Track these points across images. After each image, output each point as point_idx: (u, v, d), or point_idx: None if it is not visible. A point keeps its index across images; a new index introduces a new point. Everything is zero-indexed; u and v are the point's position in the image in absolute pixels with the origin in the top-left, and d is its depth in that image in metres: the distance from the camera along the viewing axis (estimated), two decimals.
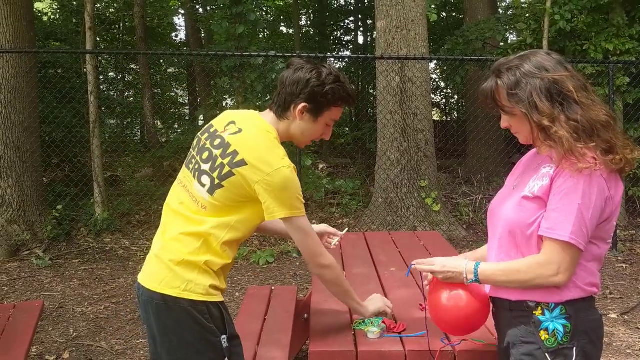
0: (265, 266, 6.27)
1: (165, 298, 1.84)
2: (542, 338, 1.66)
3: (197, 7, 16.68)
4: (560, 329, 1.65)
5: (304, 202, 1.94)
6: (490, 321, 1.93)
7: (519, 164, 1.92)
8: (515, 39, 11.28)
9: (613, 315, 4.74)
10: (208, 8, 15.03)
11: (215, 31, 9.31)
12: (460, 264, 1.82)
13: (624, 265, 6.20)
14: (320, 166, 11.17)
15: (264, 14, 17.39)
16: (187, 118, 17.07)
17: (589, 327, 1.68)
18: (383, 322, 2.19)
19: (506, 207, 1.75)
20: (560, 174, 1.62)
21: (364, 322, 2.22)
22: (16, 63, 6.85)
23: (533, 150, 1.87)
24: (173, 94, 19.39)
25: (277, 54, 7.76)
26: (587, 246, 1.65)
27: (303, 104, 1.89)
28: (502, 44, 10.08)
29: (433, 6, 8.21)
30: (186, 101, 19.20)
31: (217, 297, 1.89)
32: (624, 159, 1.61)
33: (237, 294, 5.38)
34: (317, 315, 2.43)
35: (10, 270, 6.13)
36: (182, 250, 1.87)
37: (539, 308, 1.68)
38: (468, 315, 1.87)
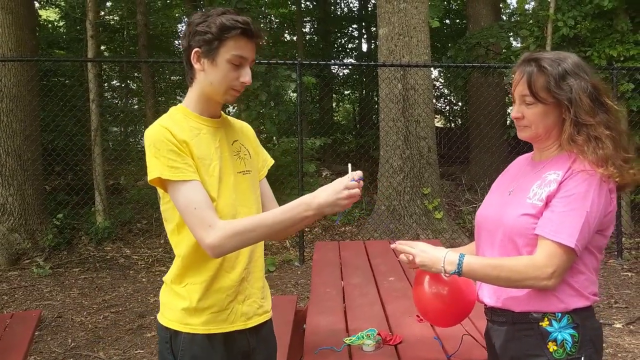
0: (266, 275, 6.21)
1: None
2: (551, 350, 1.61)
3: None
4: (569, 339, 1.61)
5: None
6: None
7: (508, 170, 1.90)
8: (518, 45, 11.25)
9: (618, 325, 4.66)
10: None
11: None
12: (440, 253, 1.69)
13: (630, 274, 6.12)
14: (324, 173, 11.12)
15: (267, 21, 17.42)
16: None
17: (594, 335, 1.64)
18: (378, 334, 2.15)
19: (509, 214, 1.69)
20: (571, 177, 1.59)
21: (357, 336, 2.18)
22: (18, 71, 6.87)
23: (524, 156, 1.86)
24: (177, 102, 19.41)
25: (279, 62, 7.76)
26: (589, 256, 1.63)
27: (195, 50, 1.65)
28: (504, 50, 10.03)
29: (434, 17, 8.17)
30: None
31: (190, 328, 1.66)
32: (629, 175, 1.60)
33: None
34: (311, 327, 2.39)
35: (11, 278, 6.11)
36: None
37: (545, 319, 1.63)
38: (452, 308, 1.84)
